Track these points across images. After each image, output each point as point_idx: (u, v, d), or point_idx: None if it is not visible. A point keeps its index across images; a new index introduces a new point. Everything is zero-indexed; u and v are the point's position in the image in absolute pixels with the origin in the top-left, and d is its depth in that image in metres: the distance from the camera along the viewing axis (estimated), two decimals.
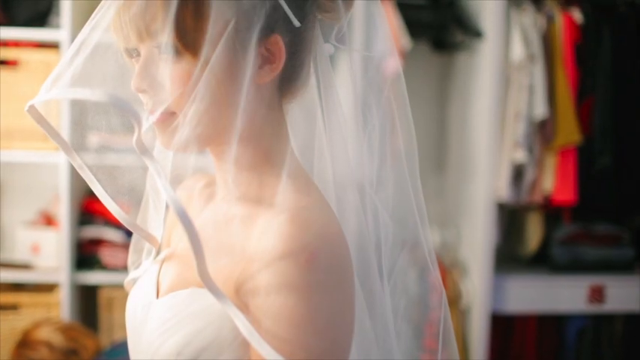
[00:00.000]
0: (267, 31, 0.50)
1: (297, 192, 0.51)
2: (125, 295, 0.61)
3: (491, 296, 1.69)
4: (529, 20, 1.67)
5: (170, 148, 0.53)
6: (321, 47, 0.56)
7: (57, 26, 1.55)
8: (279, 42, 0.51)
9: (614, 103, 1.71)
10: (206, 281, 0.47)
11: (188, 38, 0.48)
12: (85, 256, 1.62)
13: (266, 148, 0.54)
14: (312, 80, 0.57)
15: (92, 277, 1.60)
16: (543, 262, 1.81)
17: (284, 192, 0.50)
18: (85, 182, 0.55)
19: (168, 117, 0.51)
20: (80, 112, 0.52)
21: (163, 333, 0.51)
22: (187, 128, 0.48)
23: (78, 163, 0.55)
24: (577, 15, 1.71)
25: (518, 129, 1.66)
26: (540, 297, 1.73)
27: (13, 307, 1.56)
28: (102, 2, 0.51)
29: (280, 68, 0.52)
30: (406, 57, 1.64)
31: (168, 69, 0.49)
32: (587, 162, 1.71)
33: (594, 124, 1.72)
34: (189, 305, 0.51)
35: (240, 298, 0.49)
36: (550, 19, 1.70)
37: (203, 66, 0.48)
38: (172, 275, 0.56)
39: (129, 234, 1.55)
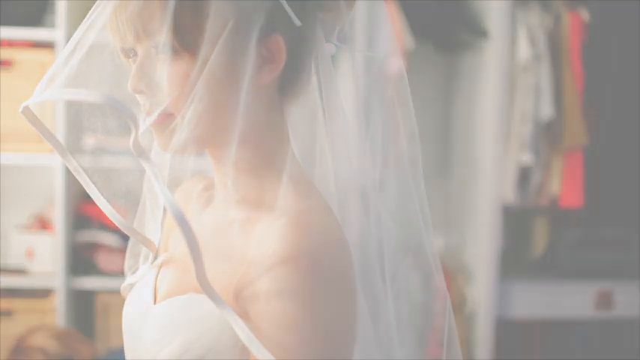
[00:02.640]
0: (267, 31, 0.49)
1: (298, 195, 0.51)
2: (122, 301, 0.60)
3: (496, 302, 1.67)
4: (535, 19, 1.65)
5: (168, 150, 0.52)
6: (323, 47, 0.55)
7: (52, 25, 1.52)
8: (279, 42, 0.50)
9: (622, 104, 1.68)
10: (204, 287, 0.46)
11: (186, 38, 0.47)
12: (81, 260, 1.60)
13: (266, 151, 0.53)
14: (314, 81, 0.56)
15: (88, 283, 1.58)
16: (550, 267, 1.79)
17: (284, 195, 0.49)
18: (81, 185, 0.55)
19: (166, 118, 0.50)
20: (76, 113, 0.52)
21: (161, 339, 0.51)
22: (185, 130, 0.47)
23: (73, 166, 0.54)
24: (584, 14, 1.69)
25: (524, 131, 1.64)
26: (547, 303, 1.72)
27: (7, 313, 1.53)
28: (98, 1, 0.50)
29: (281, 68, 0.51)
30: (409, 57, 1.62)
31: (166, 69, 0.48)
32: (594, 164, 1.69)
33: (602, 126, 1.70)
34: (187, 311, 0.50)
35: (240, 304, 0.48)
36: (557, 19, 1.68)
37: (202, 66, 0.47)
38: (170, 280, 0.56)
39: (125, 238, 1.52)
